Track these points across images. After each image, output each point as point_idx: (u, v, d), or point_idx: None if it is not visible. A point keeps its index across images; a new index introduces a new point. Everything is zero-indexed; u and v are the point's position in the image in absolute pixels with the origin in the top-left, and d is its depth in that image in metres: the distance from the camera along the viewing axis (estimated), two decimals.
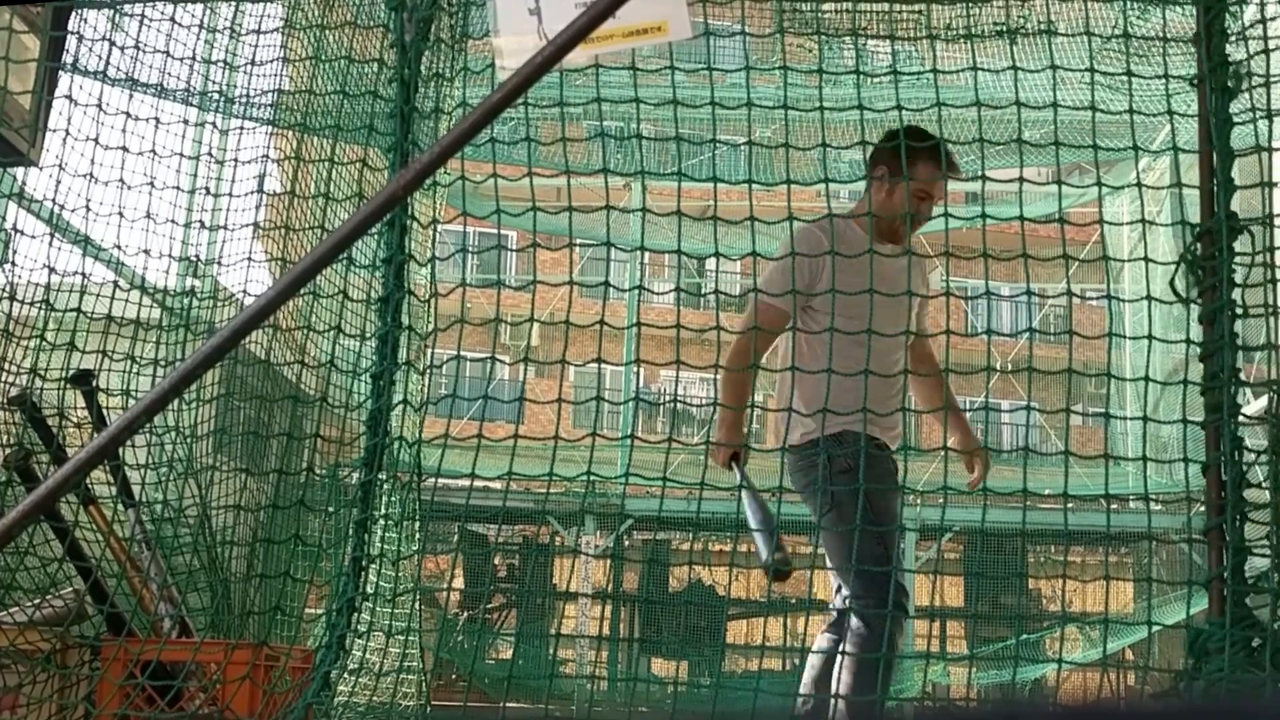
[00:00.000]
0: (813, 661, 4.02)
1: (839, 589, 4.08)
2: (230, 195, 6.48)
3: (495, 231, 4.35)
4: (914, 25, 5.28)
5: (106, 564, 4.50)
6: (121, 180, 5.02)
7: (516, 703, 10.15)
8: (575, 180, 4.20)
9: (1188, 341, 3.62)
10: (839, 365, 3.78)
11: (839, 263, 3.86)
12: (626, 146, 9.85)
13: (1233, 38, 3.67)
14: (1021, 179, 4.05)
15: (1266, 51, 3.60)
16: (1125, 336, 4.83)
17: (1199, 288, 3.57)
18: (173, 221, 5.54)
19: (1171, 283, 3.61)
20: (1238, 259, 3.49)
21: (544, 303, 5.51)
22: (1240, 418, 3.46)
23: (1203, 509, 3.52)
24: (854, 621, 3.85)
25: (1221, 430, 3.42)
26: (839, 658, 3.82)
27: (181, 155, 5.47)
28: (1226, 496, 3.36)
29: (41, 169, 5.02)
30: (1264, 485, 3.39)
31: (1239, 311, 3.48)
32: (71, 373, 4.84)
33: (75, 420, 4.92)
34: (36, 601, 4.38)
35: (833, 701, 3.77)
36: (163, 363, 5.39)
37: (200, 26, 6.17)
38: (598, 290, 4.07)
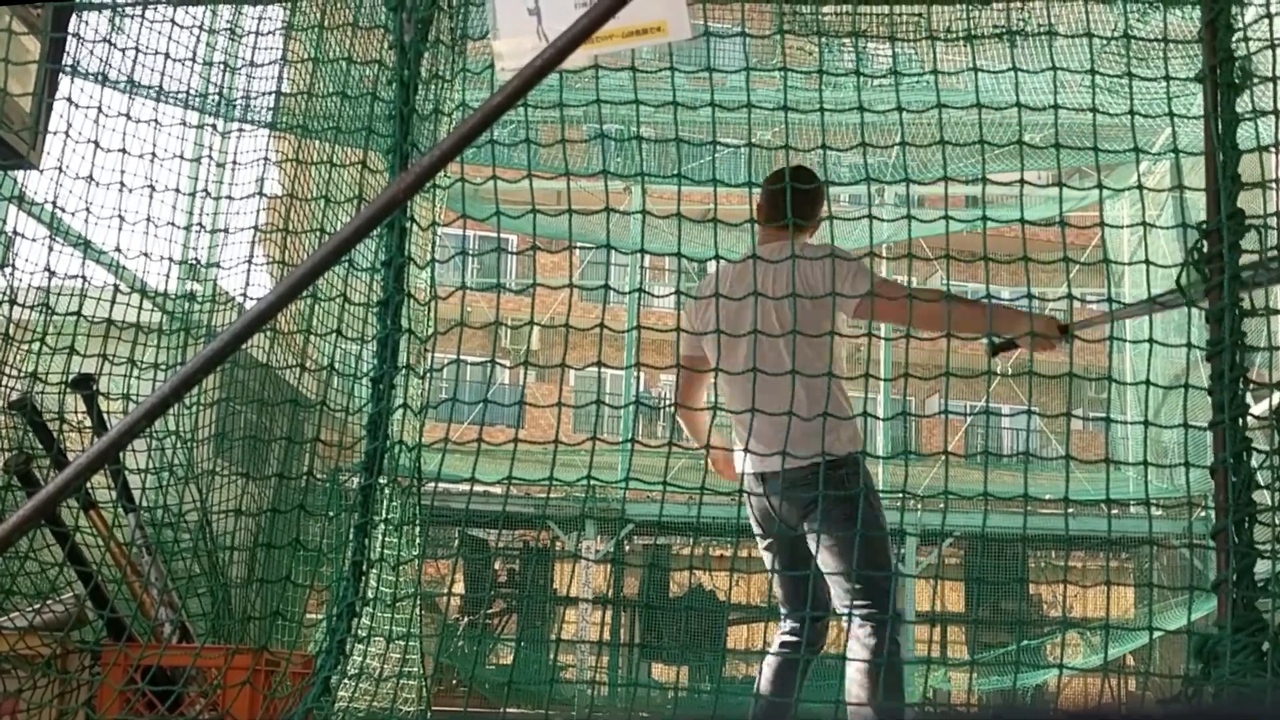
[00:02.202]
0: (772, 663, 4.03)
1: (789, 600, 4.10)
2: (230, 198, 6.48)
3: (495, 235, 4.34)
4: (914, 27, 5.28)
5: (107, 569, 4.49)
6: (121, 183, 5.02)
7: (517, 708, 10.13)
8: (575, 183, 4.20)
9: (1189, 345, 3.61)
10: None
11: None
12: (626, 149, 9.84)
13: (1235, 37, 3.67)
14: (1022, 181, 4.04)
15: (1273, 46, 3.59)
16: (1126, 340, 4.83)
17: (1205, 287, 3.56)
18: (173, 225, 5.53)
19: (1177, 281, 3.60)
20: (1244, 257, 3.48)
21: (544, 306, 5.51)
22: (1249, 418, 3.44)
23: (1203, 514, 3.52)
24: (862, 631, 3.86)
25: (1228, 431, 3.41)
26: (852, 668, 3.84)
27: (181, 158, 5.47)
28: (1231, 499, 3.35)
29: (41, 172, 5.02)
30: (1271, 488, 3.38)
31: (1245, 309, 3.47)
32: (72, 377, 4.83)
33: (75, 424, 4.91)
34: (37, 606, 4.37)
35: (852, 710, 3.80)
36: (163, 367, 5.38)
37: (200, 28, 6.17)
38: (598, 293, 4.06)
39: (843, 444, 3.91)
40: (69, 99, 5.00)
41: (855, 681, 3.84)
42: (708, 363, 4.08)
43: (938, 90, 4.01)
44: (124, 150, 5.03)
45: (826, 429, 3.81)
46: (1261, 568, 3.37)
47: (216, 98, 6.67)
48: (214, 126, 7.16)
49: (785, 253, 3.93)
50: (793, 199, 3.91)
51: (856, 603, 3.88)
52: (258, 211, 5.38)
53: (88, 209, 4.96)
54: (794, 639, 4.01)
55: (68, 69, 5.14)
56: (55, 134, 4.98)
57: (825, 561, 3.93)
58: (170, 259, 5.69)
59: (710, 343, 4.01)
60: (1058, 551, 16.78)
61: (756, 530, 4.12)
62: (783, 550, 4.05)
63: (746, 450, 3.98)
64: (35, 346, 4.83)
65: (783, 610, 4.10)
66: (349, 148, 5.28)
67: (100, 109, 5.04)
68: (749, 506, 4.08)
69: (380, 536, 4.73)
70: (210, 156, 6.82)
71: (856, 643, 3.88)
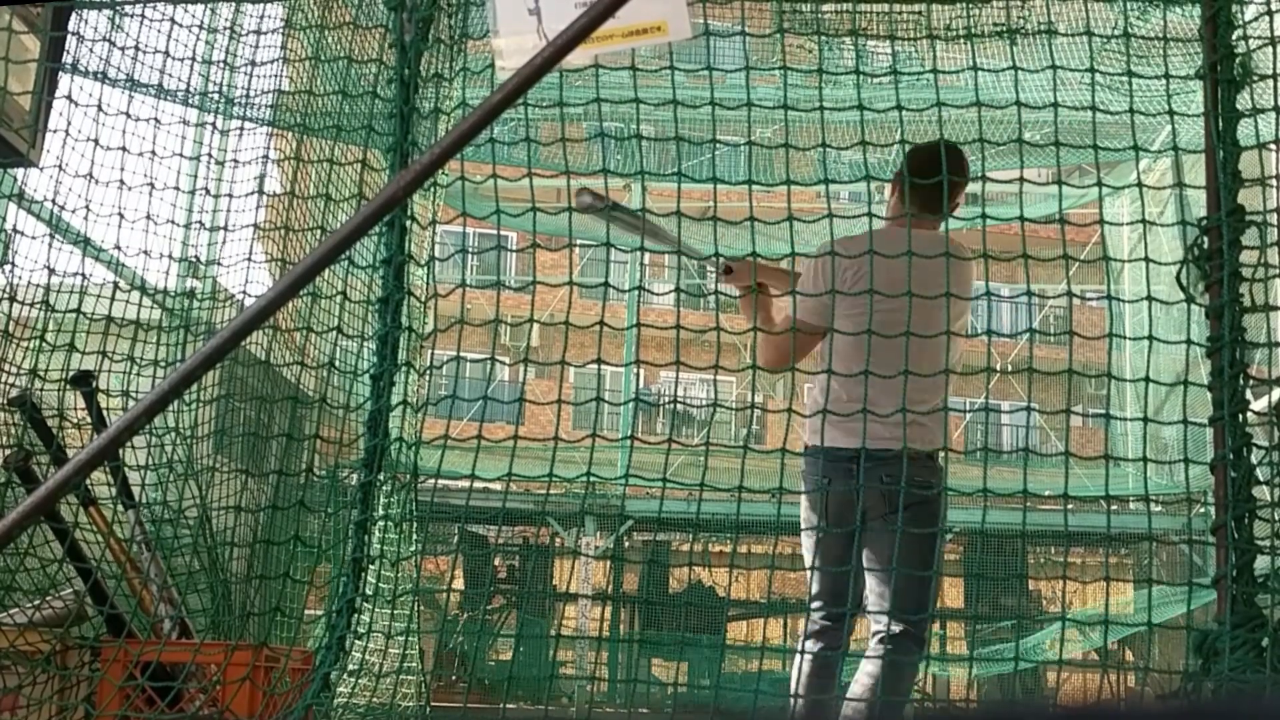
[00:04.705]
0: (814, 662, 3.95)
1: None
2: (230, 196, 6.48)
3: (495, 232, 4.35)
4: (914, 25, 5.28)
5: (106, 565, 4.49)
6: (121, 181, 5.02)
7: (516, 703, 10.14)
8: (575, 181, 4.20)
9: (1188, 342, 3.61)
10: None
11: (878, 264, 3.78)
12: (626, 147, 9.83)
13: (1235, 34, 3.67)
14: (1022, 179, 4.05)
15: (1274, 43, 3.59)
16: (1125, 337, 4.83)
17: (1204, 283, 3.57)
18: (172, 222, 5.53)
19: (1177, 278, 3.61)
20: (1244, 253, 3.49)
21: (544, 303, 5.51)
22: (1249, 413, 3.45)
23: (1203, 510, 3.52)
24: (889, 644, 3.75)
25: (1228, 427, 3.41)
26: (865, 674, 3.77)
27: (181, 156, 5.47)
28: (1230, 495, 3.36)
29: (41, 170, 5.02)
30: (1270, 483, 3.38)
31: (1245, 305, 3.48)
32: (71, 374, 4.84)
33: (75, 421, 4.91)
34: (36, 603, 4.37)
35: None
36: (163, 364, 5.38)
37: (200, 27, 6.17)
38: (597, 291, 4.07)
39: (933, 439, 3.79)
40: (69, 97, 5.00)
41: (863, 685, 3.77)
42: (823, 325, 3.93)
43: (937, 88, 4.01)
44: (124, 148, 5.03)
45: (926, 422, 3.72)
46: (1261, 563, 3.38)
47: (216, 96, 6.67)
48: (214, 124, 7.17)
49: (928, 242, 3.80)
50: (936, 192, 3.78)
51: (898, 613, 3.74)
52: (257, 209, 5.38)
53: (87, 207, 4.97)
54: (834, 632, 3.88)
55: (68, 67, 5.14)
56: (55, 132, 4.98)
57: (880, 560, 3.78)
58: (170, 256, 5.70)
59: (839, 304, 3.89)
60: (1057, 547, 16.78)
61: (813, 514, 3.93)
62: (839, 540, 3.88)
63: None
64: (35, 343, 4.83)
65: (816, 605, 3.95)
66: (349, 146, 5.28)
67: (100, 107, 5.04)
68: (811, 483, 3.92)
69: (379, 533, 4.74)
70: (210, 154, 6.82)
71: (880, 654, 3.78)
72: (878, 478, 3.75)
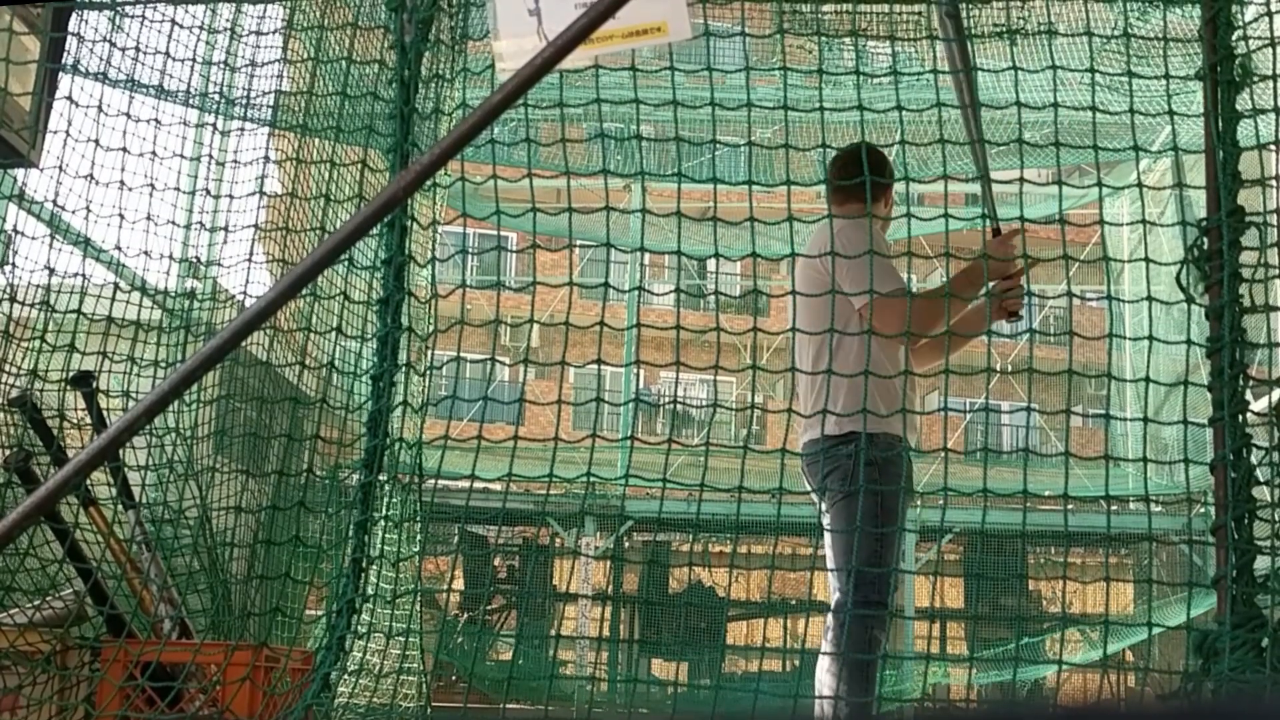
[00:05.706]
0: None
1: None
2: (231, 197, 6.48)
3: (495, 233, 4.35)
4: (914, 26, 5.28)
5: (106, 565, 4.49)
6: (122, 182, 5.02)
7: (516, 704, 10.15)
8: (575, 181, 4.20)
9: (1189, 343, 3.61)
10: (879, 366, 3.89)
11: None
12: (626, 148, 9.83)
13: (1235, 35, 3.67)
14: (1022, 180, 4.05)
15: (1274, 44, 3.59)
16: (1125, 338, 4.84)
17: (1204, 284, 3.57)
18: (173, 223, 5.53)
19: (1177, 278, 3.61)
20: (1244, 254, 3.49)
21: (544, 304, 5.51)
22: (1249, 414, 3.45)
23: (1203, 510, 3.53)
24: (832, 621, 3.88)
25: (1228, 428, 3.41)
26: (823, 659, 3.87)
27: (182, 156, 5.47)
28: (1230, 495, 3.36)
29: (42, 170, 5.02)
30: (1270, 483, 3.38)
31: (1245, 306, 3.48)
32: (72, 374, 4.84)
33: (75, 422, 4.92)
34: (36, 603, 4.37)
35: (818, 702, 3.79)
36: (163, 364, 5.38)
37: (201, 28, 6.17)
38: (598, 291, 4.07)
39: (841, 422, 3.89)
40: (69, 98, 5.00)
41: (823, 668, 3.84)
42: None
43: (937, 89, 4.01)
44: (124, 149, 5.03)
45: (829, 404, 3.84)
46: (1261, 564, 3.38)
47: (217, 97, 6.67)
48: (214, 125, 7.17)
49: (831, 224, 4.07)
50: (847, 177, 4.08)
51: (842, 588, 3.91)
52: (258, 209, 5.38)
53: (88, 207, 4.97)
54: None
55: (68, 68, 5.14)
56: (55, 133, 4.98)
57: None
58: (170, 257, 5.69)
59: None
60: (1057, 548, 16.79)
61: None
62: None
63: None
64: (35, 344, 4.83)
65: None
66: (350, 146, 5.28)
67: (101, 108, 5.04)
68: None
69: (380, 533, 4.73)
70: (210, 155, 6.82)
71: (830, 630, 3.90)
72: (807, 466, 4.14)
